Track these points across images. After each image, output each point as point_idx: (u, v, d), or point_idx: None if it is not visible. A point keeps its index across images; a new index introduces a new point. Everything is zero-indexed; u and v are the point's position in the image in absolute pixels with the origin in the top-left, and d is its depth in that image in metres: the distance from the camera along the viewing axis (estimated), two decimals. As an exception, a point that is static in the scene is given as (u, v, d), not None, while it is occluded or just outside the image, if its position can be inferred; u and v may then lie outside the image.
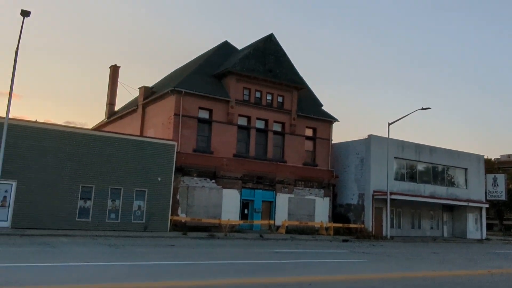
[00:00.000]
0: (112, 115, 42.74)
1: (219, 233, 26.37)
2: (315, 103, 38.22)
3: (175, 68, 46.51)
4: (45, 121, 24.87)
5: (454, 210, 42.63)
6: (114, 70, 44.29)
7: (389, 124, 34.28)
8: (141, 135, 33.34)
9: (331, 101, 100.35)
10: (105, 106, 44.93)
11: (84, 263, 11.87)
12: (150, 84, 42.19)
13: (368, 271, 13.16)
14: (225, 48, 37.84)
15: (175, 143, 27.58)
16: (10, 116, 21.45)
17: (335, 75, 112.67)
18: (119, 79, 44.48)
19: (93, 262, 12.07)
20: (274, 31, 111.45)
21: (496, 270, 15.03)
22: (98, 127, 44.45)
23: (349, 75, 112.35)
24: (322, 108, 38.64)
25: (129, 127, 36.76)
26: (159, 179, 26.23)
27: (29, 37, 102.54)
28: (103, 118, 44.77)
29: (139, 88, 36.13)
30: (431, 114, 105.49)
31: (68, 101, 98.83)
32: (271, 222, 31.22)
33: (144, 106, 34.78)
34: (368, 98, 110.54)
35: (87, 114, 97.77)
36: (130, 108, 37.47)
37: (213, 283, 9.54)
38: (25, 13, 18.93)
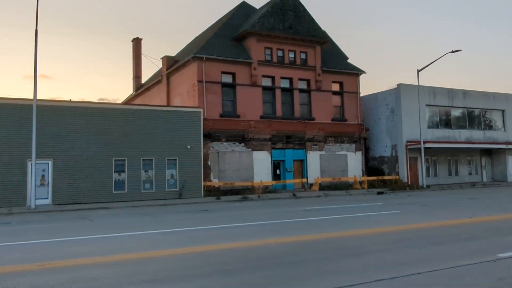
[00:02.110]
0: (140, 87, 43.09)
1: (252, 195, 26.66)
2: (341, 57, 37.28)
3: (197, 35, 46.09)
4: (80, 100, 25.28)
5: (493, 154, 41.41)
6: (137, 43, 44.33)
7: (419, 71, 33.10)
8: (168, 105, 33.61)
9: (356, 53, 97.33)
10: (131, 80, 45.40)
11: (118, 233, 12.21)
12: (174, 53, 42.07)
13: (401, 223, 13.01)
14: (244, 8, 37.03)
15: (200, 109, 27.63)
16: (44, 97, 21.92)
17: (359, 26, 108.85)
18: (142, 51, 44.66)
19: (128, 232, 12.41)
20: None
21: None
22: (128, 101, 45.07)
23: (373, 25, 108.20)
24: (348, 61, 37.69)
25: (156, 98, 37.07)
26: (189, 146, 26.50)
27: (53, 17, 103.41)
28: (132, 92, 45.26)
29: (161, 58, 36.12)
30: (464, 57, 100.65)
31: (99, 78, 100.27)
32: (304, 180, 31.26)
33: (168, 76, 34.82)
34: (395, 46, 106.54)
35: (117, 89, 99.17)
36: (156, 79, 37.62)
37: (240, 245, 9.64)
38: (38, -7, 18.94)
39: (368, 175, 35.69)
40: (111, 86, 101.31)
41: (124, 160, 24.89)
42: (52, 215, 18.91)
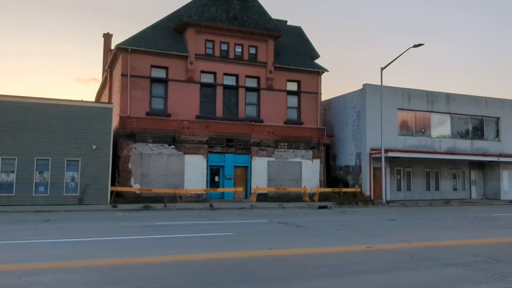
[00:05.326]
0: (103, 85, 40.91)
1: (158, 204, 23.40)
2: (310, 54, 33.63)
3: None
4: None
5: (485, 168, 36.19)
6: (107, 38, 42.22)
7: (382, 68, 28.85)
8: (110, 102, 31.00)
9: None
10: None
11: None
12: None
13: (186, 251, 9.50)
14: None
15: (112, 105, 24.72)
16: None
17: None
18: (112, 47, 42.51)
19: None
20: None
21: (380, 246, 10.59)
22: (97, 100, 43.00)
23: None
24: (318, 59, 33.96)
25: (105, 96, 34.65)
26: (94, 147, 23.62)
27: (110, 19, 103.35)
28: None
29: (109, 51, 33.67)
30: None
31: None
32: (239, 189, 27.65)
33: (111, 71, 32.25)
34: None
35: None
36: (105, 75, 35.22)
37: None
38: None
39: (329, 186, 31.73)
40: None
41: (14, 159, 22.31)
42: None
